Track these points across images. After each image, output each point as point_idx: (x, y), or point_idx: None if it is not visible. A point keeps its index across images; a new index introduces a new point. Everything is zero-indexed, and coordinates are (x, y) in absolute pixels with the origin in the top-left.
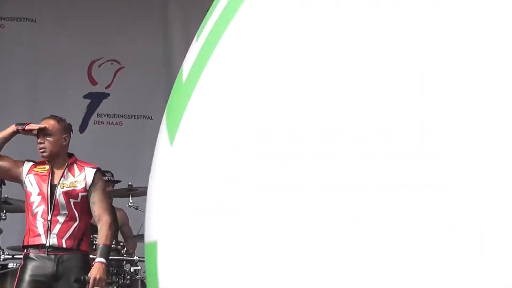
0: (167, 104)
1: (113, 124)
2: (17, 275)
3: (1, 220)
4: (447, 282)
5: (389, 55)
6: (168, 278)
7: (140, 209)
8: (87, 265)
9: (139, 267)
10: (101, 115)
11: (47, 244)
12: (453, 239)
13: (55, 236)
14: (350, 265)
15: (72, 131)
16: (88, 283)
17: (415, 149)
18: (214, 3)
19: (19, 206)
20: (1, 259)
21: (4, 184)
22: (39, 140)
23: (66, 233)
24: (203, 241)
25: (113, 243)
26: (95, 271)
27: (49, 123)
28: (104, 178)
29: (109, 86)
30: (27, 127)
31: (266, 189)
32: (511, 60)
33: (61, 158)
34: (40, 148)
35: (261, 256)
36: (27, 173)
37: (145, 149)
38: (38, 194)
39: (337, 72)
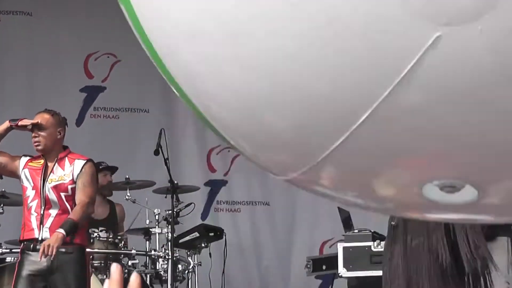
0: None
1: (109, 117)
2: (15, 271)
3: None
4: None
5: None
6: None
7: (137, 203)
8: (83, 258)
9: (136, 261)
10: (97, 109)
11: (39, 238)
12: None
13: (48, 230)
14: None
15: (67, 125)
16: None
17: None
18: None
19: (17, 200)
20: None
21: (1, 178)
22: (33, 134)
23: (58, 226)
24: None
25: (111, 236)
26: (50, 239)
27: (43, 117)
28: (97, 168)
29: (105, 79)
30: (20, 123)
31: None
32: None
33: (56, 151)
34: (35, 142)
35: None
36: (23, 168)
37: (142, 142)
38: (33, 189)
39: None
